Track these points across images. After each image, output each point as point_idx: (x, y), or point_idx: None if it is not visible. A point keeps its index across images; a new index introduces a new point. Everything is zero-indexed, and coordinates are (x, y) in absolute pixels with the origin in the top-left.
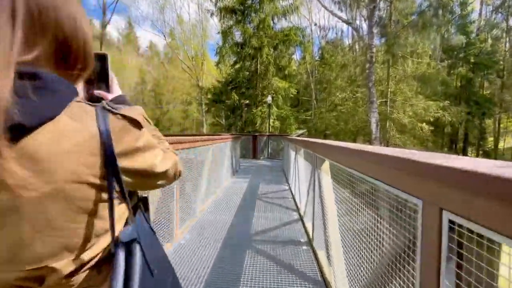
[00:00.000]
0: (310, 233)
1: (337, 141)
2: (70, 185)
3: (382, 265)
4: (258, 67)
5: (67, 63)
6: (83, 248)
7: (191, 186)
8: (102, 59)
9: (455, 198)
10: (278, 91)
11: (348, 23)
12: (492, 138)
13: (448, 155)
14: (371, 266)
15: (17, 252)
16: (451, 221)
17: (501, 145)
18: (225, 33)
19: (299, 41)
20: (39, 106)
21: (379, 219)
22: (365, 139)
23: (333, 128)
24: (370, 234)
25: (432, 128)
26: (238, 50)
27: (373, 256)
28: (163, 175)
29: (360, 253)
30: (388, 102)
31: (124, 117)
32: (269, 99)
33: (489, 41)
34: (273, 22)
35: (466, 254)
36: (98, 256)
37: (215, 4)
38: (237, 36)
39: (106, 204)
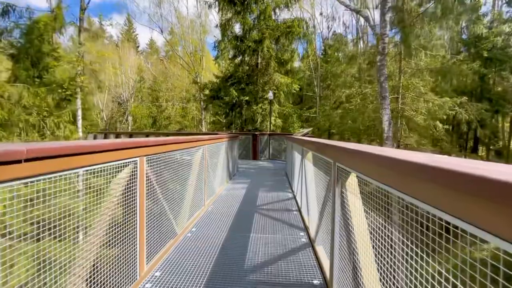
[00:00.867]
0: (327, 271)
1: (371, 146)
2: None
3: None
4: (259, 61)
5: None
6: None
7: (169, 202)
8: None
9: None
10: (280, 87)
11: (357, 11)
12: (502, 137)
13: None
14: None
15: None
16: None
17: None
18: (224, 26)
19: (302, 33)
20: None
21: None
22: (369, 139)
23: (338, 127)
24: None
25: (447, 126)
26: (238, 43)
27: None
28: None
29: None
30: (400, 99)
31: None
32: (270, 95)
33: (502, 36)
34: (275, 14)
35: None
36: None
37: None
38: (237, 29)
39: None
